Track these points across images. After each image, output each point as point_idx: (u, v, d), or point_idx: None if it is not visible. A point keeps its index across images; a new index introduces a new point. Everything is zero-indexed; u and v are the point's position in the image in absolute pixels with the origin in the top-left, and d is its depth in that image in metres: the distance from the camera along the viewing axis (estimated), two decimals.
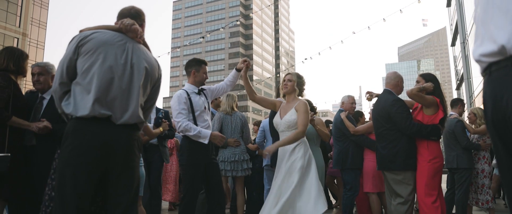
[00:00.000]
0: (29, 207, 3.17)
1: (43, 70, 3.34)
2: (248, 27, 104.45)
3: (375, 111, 4.10)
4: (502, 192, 8.22)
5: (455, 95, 33.13)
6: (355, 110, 5.44)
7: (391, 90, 4.07)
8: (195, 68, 3.88)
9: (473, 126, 5.45)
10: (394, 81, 4.11)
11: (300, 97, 3.78)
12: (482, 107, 6.22)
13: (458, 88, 32.76)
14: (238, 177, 4.97)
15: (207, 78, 3.94)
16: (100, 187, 2.21)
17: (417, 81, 4.00)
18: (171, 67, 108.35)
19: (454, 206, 5.19)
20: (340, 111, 5.20)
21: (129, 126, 2.23)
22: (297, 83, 3.75)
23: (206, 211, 3.83)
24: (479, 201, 5.16)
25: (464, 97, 27.69)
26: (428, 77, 3.98)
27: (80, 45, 2.21)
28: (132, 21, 2.38)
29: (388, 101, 3.93)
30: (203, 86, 3.95)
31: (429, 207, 3.64)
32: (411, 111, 4.00)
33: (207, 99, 3.92)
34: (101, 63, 2.18)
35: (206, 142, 3.61)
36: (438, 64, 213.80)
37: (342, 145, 4.97)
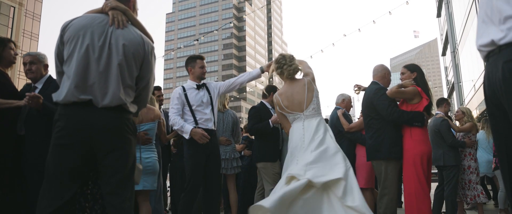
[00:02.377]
0: (19, 197, 3.16)
1: (34, 59, 3.33)
2: (241, 39, 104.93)
3: (362, 102, 4.16)
4: (492, 193, 8.28)
5: None
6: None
7: (377, 82, 4.12)
8: (190, 65, 4.09)
9: (458, 124, 5.60)
10: (381, 74, 4.16)
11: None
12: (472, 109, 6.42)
13: (449, 96, 33.04)
14: (229, 175, 5.00)
15: (205, 71, 4.10)
16: (93, 169, 2.28)
17: (402, 73, 4.07)
18: (164, 79, 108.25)
19: (444, 202, 5.24)
20: (336, 109, 5.30)
21: (112, 109, 2.21)
22: (277, 71, 3.55)
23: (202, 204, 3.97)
24: (468, 197, 5.28)
25: (456, 105, 27.94)
26: (412, 67, 4.05)
27: (63, 35, 2.27)
28: (115, 3, 2.37)
29: (372, 91, 4.00)
30: (206, 81, 4.11)
31: (419, 199, 3.61)
32: (398, 103, 4.04)
33: (209, 93, 4.05)
34: (79, 48, 2.20)
35: (187, 136, 3.77)
36: (430, 75, 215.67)
37: (337, 142, 5.04)
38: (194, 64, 4.06)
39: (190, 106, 3.90)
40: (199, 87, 4.00)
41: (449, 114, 5.66)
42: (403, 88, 3.84)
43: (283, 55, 3.53)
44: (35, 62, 3.32)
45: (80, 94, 2.15)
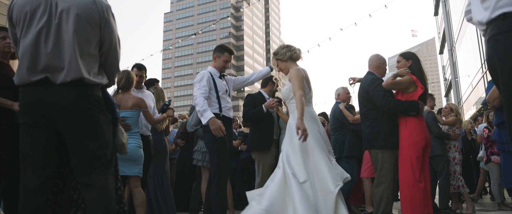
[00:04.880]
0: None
1: None
2: (239, 38, 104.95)
3: (358, 93, 4.18)
4: (489, 188, 8.34)
5: (444, 102, 33.62)
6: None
7: (372, 72, 4.14)
8: (216, 54, 4.04)
9: (443, 118, 5.74)
10: (376, 63, 4.17)
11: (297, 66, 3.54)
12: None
13: (446, 95, 33.16)
14: None
15: (227, 67, 4.08)
16: (63, 150, 2.17)
17: (398, 61, 4.08)
18: (162, 78, 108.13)
19: (438, 192, 5.37)
20: (337, 103, 5.39)
21: (71, 84, 2.07)
22: (280, 56, 3.54)
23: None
24: (452, 186, 5.42)
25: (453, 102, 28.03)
26: (407, 55, 4.05)
27: (10, 18, 2.16)
28: None
29: (367, 81, 4.02)
30: (224, 74, 4.13)
31: (411, 186, 3.65)
32: (394, 91, 4.06)
33: (227, 84, 4.09)
34: (26, 28, 2.09)
35: (204, 121, 3.63)
36: (428, 74, 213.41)
37: (339, 135, 5.20)
38: (221, 55, 4.00)
39: (217, 92, 3.87)
40: (220, 76, 4.01)
41: (434, 109, 5.85)
42: (398, 78, 3.86)
43: (287, 44, 3.64)
44: None
45: (32, 76, 2.06)
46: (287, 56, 3.50)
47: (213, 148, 3.72)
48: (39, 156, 2.07)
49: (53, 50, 2.06)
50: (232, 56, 4.07)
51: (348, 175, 3.12)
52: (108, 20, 2.22)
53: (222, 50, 4.03)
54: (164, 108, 4.31)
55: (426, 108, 5.49)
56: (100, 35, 2.20)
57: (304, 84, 3.31)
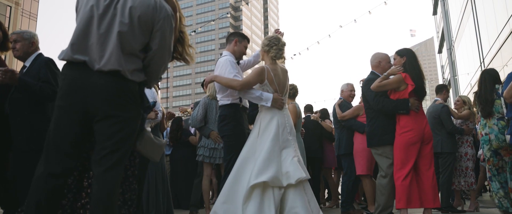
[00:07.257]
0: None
1: (18, 37, 3.22)
2: None
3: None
4: (489, 187, 8.37)
5: None
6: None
7: (373, 71, 4.26)
8: (238, 38, 3.89)
9: (457, 111, 5.64)
10: (375, 62, 4.28)
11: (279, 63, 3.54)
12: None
13: None
14: (221, 164, 4.88)
15: (245, 54, 3.96)
16: (90, 134, 2.10)
17: (394, 59, 4.13)
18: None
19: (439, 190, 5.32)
20: (339, 99, 5.44)
21: (108, 73, 2.01)
22: (263, 46, 3.54)
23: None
24: (466, 183, 5.33)
25: (452, 102, 28.06)
26: (401, 52, 4.07)
27: None
28: None
29: (364, 82, 4.16)
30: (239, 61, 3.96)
31: (396, 179, 3.78)
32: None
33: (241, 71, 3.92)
34: (84, 5, 2.07)
35: (268, 104, 3.32)
36: (426, 73, 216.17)
37: (339, 132, 5.28)
38: (242, 40, 3.89)
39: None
40: (237, 62, 3.81)
41: (447, 101, 5.73)
42: (389, 78, 3.89)
43: (278, 38, 3.54)
44: (19, 40, 3.20)
45: (74, 53, 2.01)
46: (265, 50, 3.49)
47: (232, 142, 3.57)
48: (64, 145, 2.00)
49: (101, 37, 2.03)
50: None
51: (302, 176, 3.09)
52: (162, 29, 2.14)
53: (243, 36, 3.93)
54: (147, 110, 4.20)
55: (439, 100, 5.47)
56: (149, 40, 2.14)
57: (252, 82, 3.34)
